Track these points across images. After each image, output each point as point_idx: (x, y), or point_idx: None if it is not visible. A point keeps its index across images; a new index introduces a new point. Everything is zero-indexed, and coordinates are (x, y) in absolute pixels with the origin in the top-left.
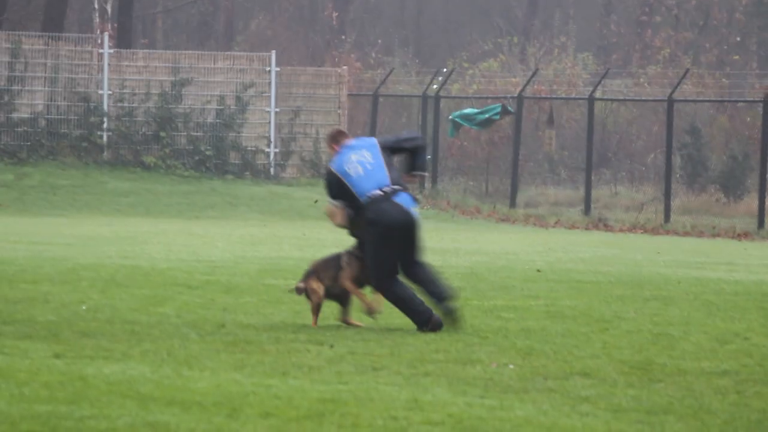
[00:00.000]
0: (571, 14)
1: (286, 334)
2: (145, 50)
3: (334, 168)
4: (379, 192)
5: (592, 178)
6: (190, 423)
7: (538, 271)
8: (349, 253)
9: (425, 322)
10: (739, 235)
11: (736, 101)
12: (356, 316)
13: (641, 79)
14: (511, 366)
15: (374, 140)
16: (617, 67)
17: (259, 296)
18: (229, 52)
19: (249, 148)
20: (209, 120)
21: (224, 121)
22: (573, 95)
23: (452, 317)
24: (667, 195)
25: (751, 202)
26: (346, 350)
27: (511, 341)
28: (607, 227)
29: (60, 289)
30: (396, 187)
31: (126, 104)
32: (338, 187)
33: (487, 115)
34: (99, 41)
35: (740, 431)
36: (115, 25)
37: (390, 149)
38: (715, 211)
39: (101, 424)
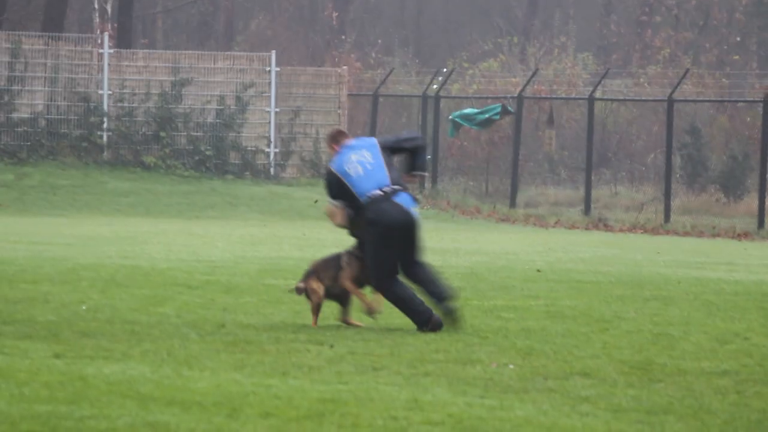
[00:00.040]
0: (571, 14)
1: (286, 334)
2: (145, 50)
3: (334, 168)
4: (379, 192)
5: (592, 178)
6: (190, 423)
7: (538, 271)
8: (349, 253)
9: (425, 322)
10: (739, 235)
11: (736, 101)
12: (356, 316)
13: (641, 79)
14: (511, 366)
15: (374, 140)
16: (617, 67)
17: (259, 296)
18: (229, 52)
19: (249, 148)
20: (209, 120)
21: (224, 121)
22: (573, 95)
23: (452, 317)
24: (667, 195)
25: (751, 202)
26: (346, 350)
27: (511, 341)
28: (607, 227)
29: (60, 289)
30: (396, 187)
31: (126, 104)
32: (338, 187)
33: (487, 115)
34: (99, 41)
35: (740, 431)
36: (115, 25)
37: (390, 149)
38: (715, 211)
39: (101, 424)
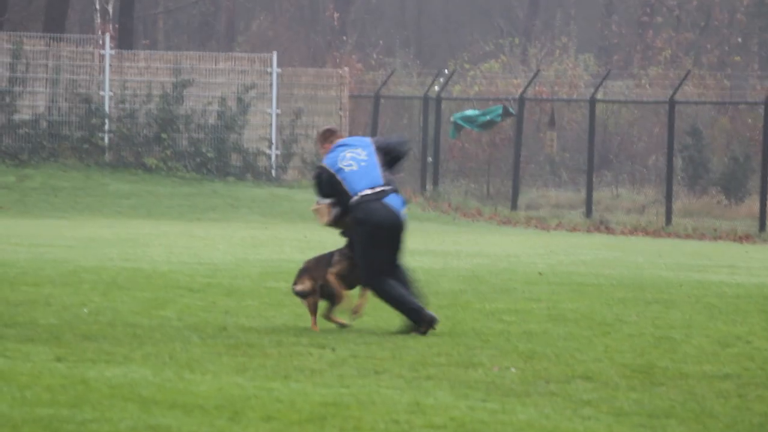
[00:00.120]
0: (573, 15)
1: (287, 337)
2: (146, 51)
3: (326, 164)
4: (369, 191)
5: (594, 180)
6: (191, 426)
7: (540, 273)
8: (341, 252)
9: (418, 319)
10: (740, 237)
11: (738, 103)
12: (349, 316)
13: (642, 81)
14: (513, 369)
15: (369, 140)
16: (618, 68)
17: (261, 299)
18: (230, 53)
19: (250, 150)
20: (210, 121)
21: (225, 122)
22: (574, 96)
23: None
24: (669, 197)
25: (753, 204)
26: (348, 353)
27: (512, 344)
28: (609, 230)
29: (61, 292)
30: (387, 188)
31: (127, 105)
32: (329, 185)
33: (488, 117)
34: (100, 42)
35: None
36: (117, 25)
37: (383, 151)
38: (716, 213)
39: (103, 427)
